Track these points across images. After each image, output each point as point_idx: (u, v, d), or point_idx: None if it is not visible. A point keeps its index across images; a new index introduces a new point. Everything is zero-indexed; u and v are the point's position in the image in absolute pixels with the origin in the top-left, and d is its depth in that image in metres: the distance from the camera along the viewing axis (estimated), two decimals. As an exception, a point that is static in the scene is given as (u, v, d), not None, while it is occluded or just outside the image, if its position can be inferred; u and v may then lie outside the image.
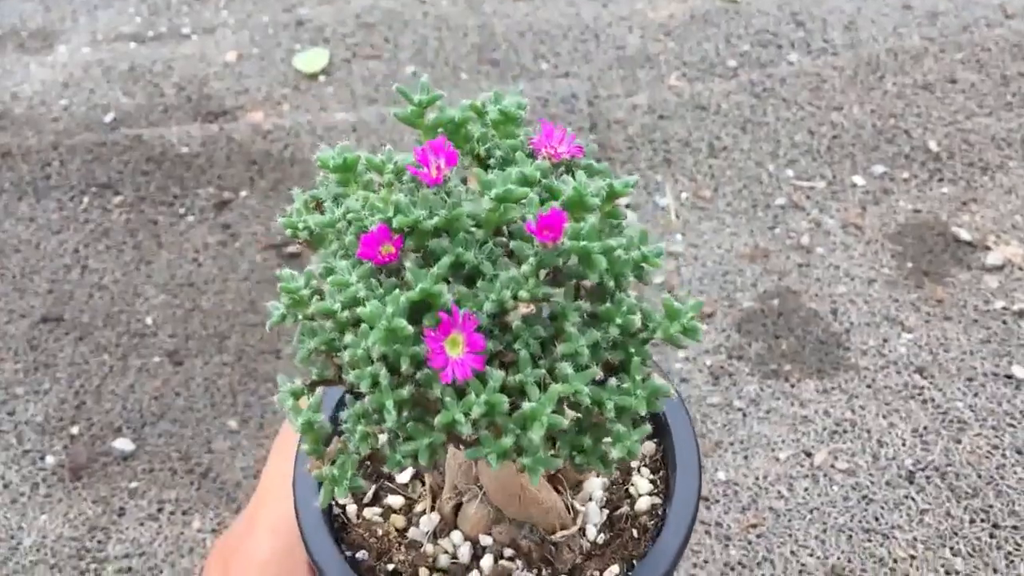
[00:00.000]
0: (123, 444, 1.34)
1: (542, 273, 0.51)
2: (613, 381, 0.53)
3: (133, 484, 1.29)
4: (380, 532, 0.67)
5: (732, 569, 1.17)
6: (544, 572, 0.65)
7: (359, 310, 0.49)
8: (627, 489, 0.69)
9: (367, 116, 1.80)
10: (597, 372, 0.52)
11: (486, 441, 0.51)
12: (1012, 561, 1.17)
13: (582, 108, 1.79)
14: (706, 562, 1.18)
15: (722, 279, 1.53)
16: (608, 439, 0.53)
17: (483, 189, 0.52)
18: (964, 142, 1.71)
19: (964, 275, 1.51)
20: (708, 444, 1.30)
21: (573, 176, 0.54)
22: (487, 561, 0.65)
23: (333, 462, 0.55)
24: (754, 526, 1.21)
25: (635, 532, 0.66)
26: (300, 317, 0.54)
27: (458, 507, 0.67)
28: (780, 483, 1.26)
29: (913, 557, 1.18)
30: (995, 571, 1.16)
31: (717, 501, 1.24)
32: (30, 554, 1.22)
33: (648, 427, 0.54)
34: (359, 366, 0.50)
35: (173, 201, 1.69)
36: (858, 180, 1.68)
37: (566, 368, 0.51)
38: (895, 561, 1.17)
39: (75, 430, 1.36)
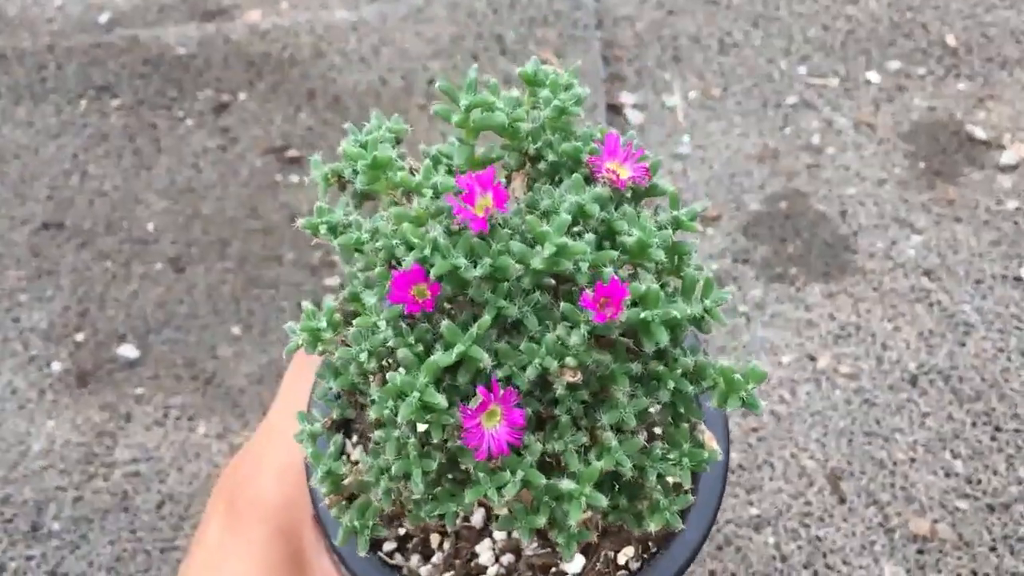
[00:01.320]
0: (128, 351, 1.35)
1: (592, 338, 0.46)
2: (658, 449, 0.49)
3: (139, 390, 1.31)
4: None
5: (732, 472, 1.18)
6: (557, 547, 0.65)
7: (390, 376, 0.44)
8: None
9: (368, 15, 1.75)
10: (642, 442, 0.48)
11: (519, 514, 0.47)
12: (1012, 464, 1.17)
13: (588, 3, 1.74)
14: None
15: (729, 181, 1.50)
16: (643, 502, 0.50)
17: (535, 239, 0.45)
18: (983, 36, 1.66)
19: (977, 175, 1.47)
20: (712, 349, 1.30)
21: (635, 203, 0.48)
22: (499, 531, 0.63)
23: (352, 498, 0.53)
24: (755, 429, 1.22)
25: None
26: (321, 348, 0.50)
27: None
28: (783, 387, 1.26)
29: (913, 460, 1.18)
30: (995, 473, 1.16)
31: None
32: (39, 459, 1.24)
33: (691, 498, 0.51)
34: (385, 426, 0.47)
35: (171, 104, 1.66)
36: (872, 77, 1.63)
37: (610, 440, 0.47)
38: (895, 463, 1.18)
39: (80, 337, 1.37)
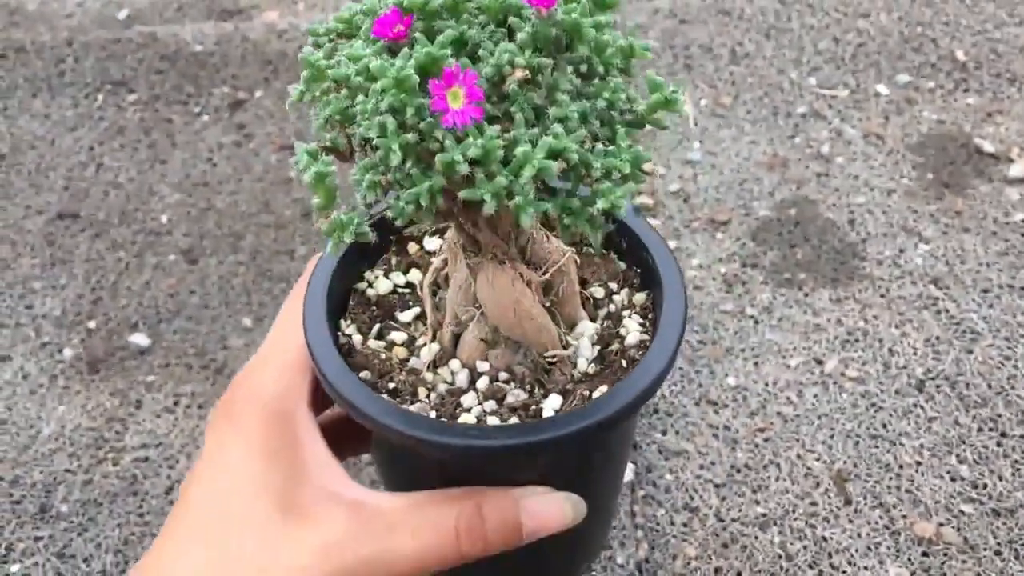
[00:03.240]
0: (139, 339, 1.36)
1: (538, 44, 0.56)
2: (600, 146, 0.57)
3: (150, 378, 1.31)
4: (383, 358, 0.70)
5: (738, 471, 1.19)
6: (536, 392, 0.68)
7: (369, 63, 0.54)
8: (618, 331, 0.73)
9: (383, 16, 1.77)
10: (585, 135, 0.57)
11: (481, 183, 0.54)
12: (1018, 469, 1.17)
13: (602, 11, 1.75)
14: (713, 464, 1.19)
15: (739, 188, 1.51)
16: (595, 203, 0.57)
17: None
18: (992, 52, 1.67)
19: (985, 187, 1.49)
20: (719, 350, 1.31)
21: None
22: (483, 383, 0.69)
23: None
24: (762, 430, 1.22)
25: (624, 363, 0.69)
26: (318, 94, 0.59)
27: (457, 338, 0.71)
28: (789, 389, 1.26)
29: (919, 463, 1.19)
30: (1000, 478, 1.17)
31: (726, 406, 1.25)
32: (49, 443, 1.24)
33: (633, 185, 0.58)
34: (369, 117, 0.55)
35: (187, 100, 1.68)
36: (882, 89, 1.64)
37: (557, 128, 0.55)
38: (901, 467, 1.18)
39: (92, 324, 1.38)
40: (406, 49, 0.56)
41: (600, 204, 0.56)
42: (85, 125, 1.65)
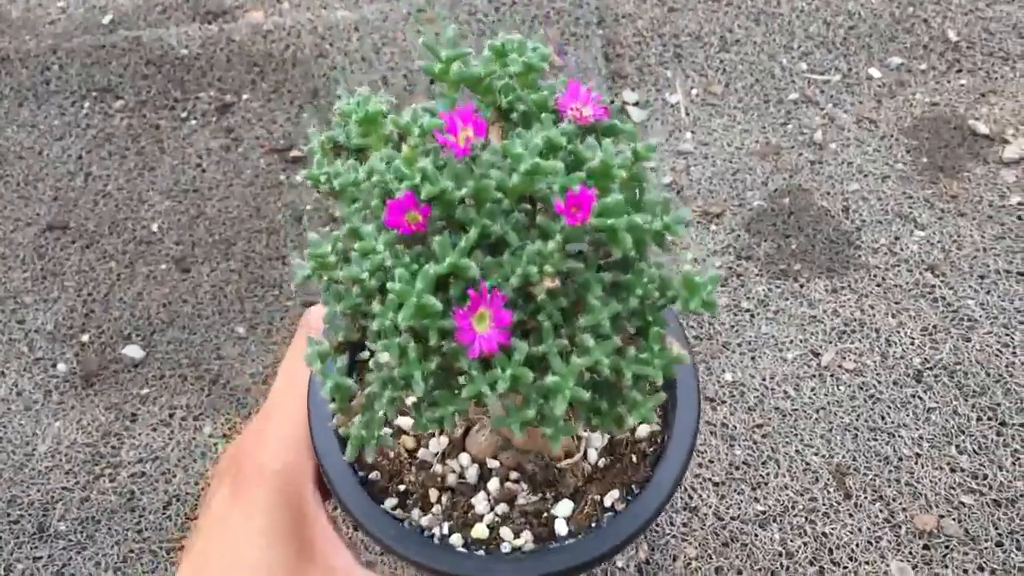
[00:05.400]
0: (133, 351, 1.35)
1: (567, 247, 0.51)
2: (632, 351, 0.53)
3: (144, 391, 1.31)
4: (391, 453, 0.69)
5: (737, 468, 1.18)
6: (548, 495, 0.67)
7: (389, 285, 0.49)
8: None
9: (369, 14, 1.75)
10: (617, 343, 0.53)
11: (511, 411, 0.52)
12: (1019, 459, 1.17)
13: (589, 0, 1.74)
14: (712, 462, 1.19)
15: (732, 178, 1.50)
16: (623, 405, 0.55)
17: (512, 162, 0.51)
18: (984, 31, 1.66)
19: (980, 169, 1.47)
20: (715, 345, 1.30)
21: (598, 138, 0.53)
22: (494, 484, 0.67)
23: (359, 414, 0.57)
24: (760, 426, 1.22)
25: (634, 457, 0.68)
26: (326, 279, 0.55)
27: (466, 431, 0.69)
28: (787, 383, 1.26)
29: (918, 455, 1.18)
30: (1000, 468, 1.16)
31: (724, 402, 1.24)
32: (45, 459, 1.24)
33: (663, 395, 0.55)
34: (387, 336, 0.51)
35: (174, 105, 1.67)
36: (874, 72, 1.63)
37: (588, 340, 0.51)
38: (900, 459, 1.18)
39: (85, 338, 1.37)
40: (420, 246, 0.51)
41: (631, 420, 0.54)
42: (72, 134, 1.63)
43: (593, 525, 0.64)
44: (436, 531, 0.65)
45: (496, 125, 0.57)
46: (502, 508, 0.66)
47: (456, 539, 0.64)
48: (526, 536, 0.64)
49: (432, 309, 0.49)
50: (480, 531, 0.65)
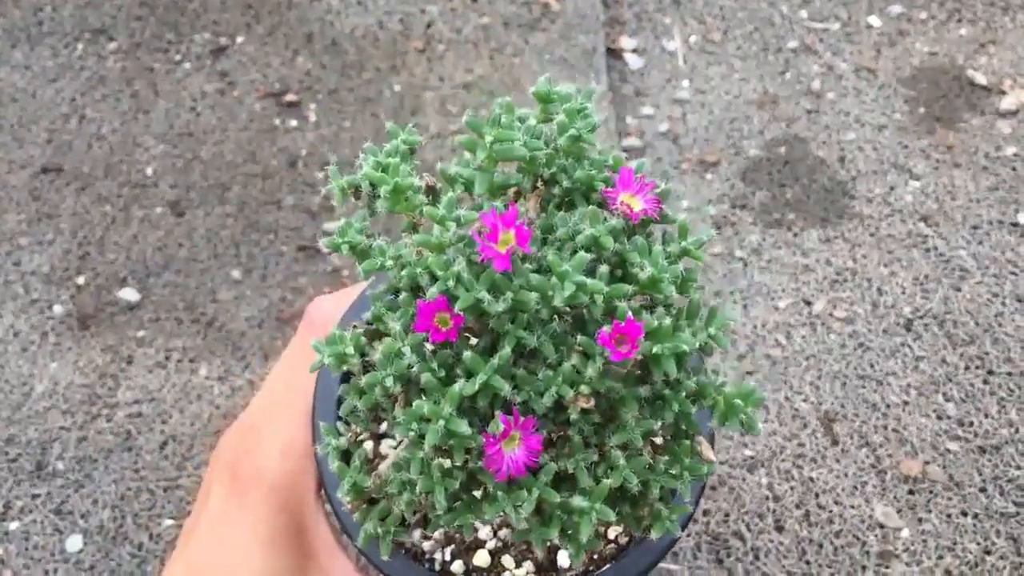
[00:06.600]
0: (128, 294, 1.35)
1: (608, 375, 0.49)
2: (662, 465, 0.52)
3: (140, 333, 1.32)
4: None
5: (727, 414, 1.20)
6: None
7: (416, 404, 0.47)
8: None
9: (365, -44, 1.73)
10: (648, 460, 0.51)
11: (534, 527, 0.51)
12: (1004, 407, 1.18)
13: (588, -54, 1.72)
14: (701, 408, 1.20)
15: (729, 127, 1.50)
16: (648, 516, 0.53)
17: (556, 278, 0.48)
18: (987, -20, 1.64)
19: (977, 120, 1.47)
20: (708, 294, 1.31)
21: (647, 236, 0.51)
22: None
23: (373, 501, 0.56)
24: (750, 373, 1.23)
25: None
26: (345, 368, 0.53)
27: None
28: (778, 331, 1.27)
29: (906, 403, 1.19)
30: (986, 416, 1.18)
31: (715, 349, 1.25)
32: (43, 400, 1.25)
33: (690, 508, 0.54)
34: (410, 451, 0.49)
35: (168, 48, 1.65)
36: (874, 21, 1.62)
37: (618, 457, 0.50)
38: (888, 406, 1.19)
39: (81, 280, 1.37)
40: (448, 351, 0.49)
41: (654, 534, 0.53)
42: (66, 76, 1.62)
43: (596, 556, 0.63)
44: (437, 556, 0.64)
45: (535, 195, 0.54)
46: (505, 533, 0.65)
47: (458, 566, 0.63)
48: (528, 567, 0.64)
49: (460, 435, 0.46)
50: (482, 558, 0.64)
